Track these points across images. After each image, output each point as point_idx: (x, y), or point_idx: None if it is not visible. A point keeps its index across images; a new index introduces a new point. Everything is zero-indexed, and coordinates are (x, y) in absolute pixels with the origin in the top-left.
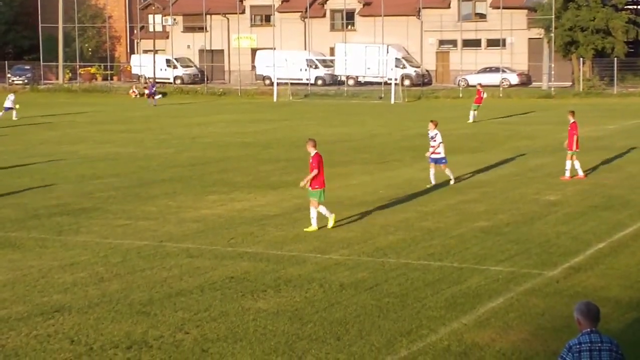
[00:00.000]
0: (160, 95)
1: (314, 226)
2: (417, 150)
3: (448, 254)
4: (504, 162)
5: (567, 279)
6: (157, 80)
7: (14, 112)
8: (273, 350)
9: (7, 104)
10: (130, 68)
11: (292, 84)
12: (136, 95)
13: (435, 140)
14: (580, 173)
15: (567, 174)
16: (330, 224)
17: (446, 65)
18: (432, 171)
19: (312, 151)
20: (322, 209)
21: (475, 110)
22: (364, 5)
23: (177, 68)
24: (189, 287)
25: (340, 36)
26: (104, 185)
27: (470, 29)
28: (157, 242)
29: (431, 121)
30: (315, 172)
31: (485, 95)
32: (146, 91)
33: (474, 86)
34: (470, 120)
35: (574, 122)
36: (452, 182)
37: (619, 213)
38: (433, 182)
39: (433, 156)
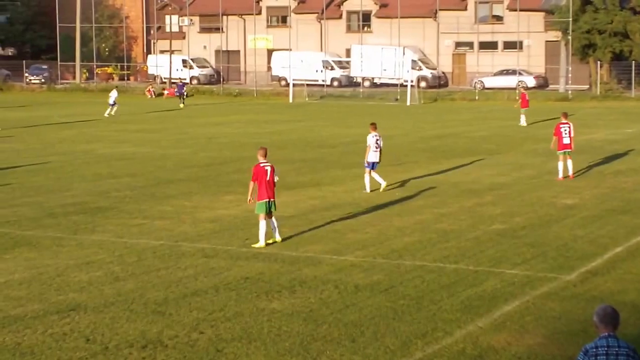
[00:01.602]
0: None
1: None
2: (433, 152)
3: (464, 257)
4: (520, 164)
5: (584, 283)
6: (183, 81)
7: (114, 108)
8: (287, 351)
9: (110, 100)
10: (147, 68)
11: (307, 85)
12: (152, 95)
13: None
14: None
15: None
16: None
17: (462, 68)
18: (367, 177)
19: (259, 160)
20: (261, 225)
21: (524, 114)
22: (380, 6)
23: (193, 68)
24: (204, 287)
25: (356, 37)
26: (120, 185)
27: (487, 31)
28: (173, 242)
29: (371, 124)
30: (251, 184)
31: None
32: (165, 92)
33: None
34: (524, 123)
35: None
36: (366, 191)
37: (637, 217)
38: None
39: (373, 160)
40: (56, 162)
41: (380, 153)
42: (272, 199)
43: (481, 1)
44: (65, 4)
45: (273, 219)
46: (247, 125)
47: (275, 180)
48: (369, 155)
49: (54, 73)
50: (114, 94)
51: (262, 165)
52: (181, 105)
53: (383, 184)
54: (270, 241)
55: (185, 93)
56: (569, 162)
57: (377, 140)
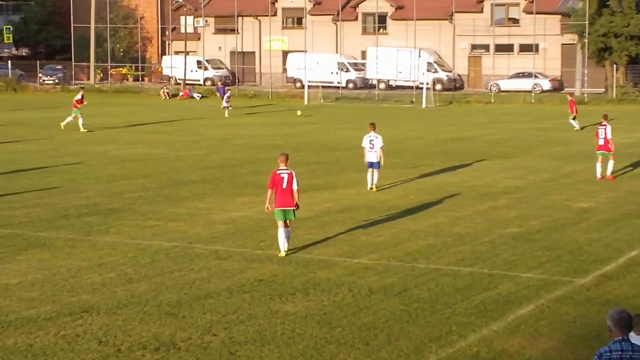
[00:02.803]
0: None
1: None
2: (448, 155)
3: (478, 260)
4: (536, 168)
5: (599, 287)
6: (187, 82)
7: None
8: (301, 353)
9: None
10: (161, 69)
11: (323, 87)
12: (166, 96)
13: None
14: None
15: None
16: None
17: (478, 70)
18: (369, 175)
19: (278, 166)
20: (279, 233)
21: (574, 119)
22: (396, 9)
23: (207, 70)
24: (218, 289)
25: (372, 39)
26: (134, 186)
27: (502, 34)
28: (186, 244)
29: (370, 124)
30: (268, 192)
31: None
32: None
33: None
34: (578, 127)
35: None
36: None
37: None
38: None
39: (371, 160)
40: (70, 163)
41: (382, 154)
42: (286, 208)
43: (497, 4)
44: (80, 5)
45: (288, 229)
46: (262, 127)
47: (295, 189)
48: (366, 155)
49: (68, 74)
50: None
51: (279, 172)
52: (227, 108)
53: (370, 186)
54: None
55: (228, 95)
56: (610, 163)
57: (372, 140)
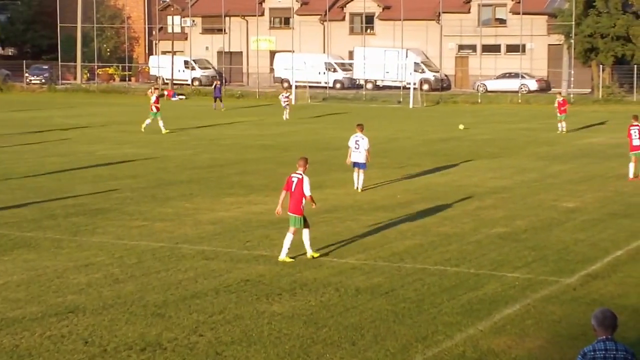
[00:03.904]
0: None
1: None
2: (435, 155)
3: (465, 260)
4: (523, 168)
5: (584, 287)
6: (174, 82)
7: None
8: (287, 354)
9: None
10: (149, 69)
11: (310, 87)
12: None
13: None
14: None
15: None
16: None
17: (465, 70)
18: (355, 175)
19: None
20: (286, 237)
21: (562, 120)
22: (383, 9)
23: (195, 69)
24: (204, 289)
25: (359, 40)
26: (121, 186)
27: (490, 34)
28: (173, 244)
29: (357, 125)
30: (282, 193)
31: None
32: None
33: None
34: (562, 130)
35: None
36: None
37: (638, 221)
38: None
39: (355, 160)
40: (57, 163)
41: (368, 154)
42: (291, 214)
43: (484, 4)
44: (66, 4)
45: (303, 234)
46: (250, 127)
47: (307, 195)
48: (351, 155)
49: (54, 73)
50: (153, 98)
51: (292, 175)
52: (221, 109)
53: (356, 186)
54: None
55: (221, 96)
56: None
57: (357, 141)
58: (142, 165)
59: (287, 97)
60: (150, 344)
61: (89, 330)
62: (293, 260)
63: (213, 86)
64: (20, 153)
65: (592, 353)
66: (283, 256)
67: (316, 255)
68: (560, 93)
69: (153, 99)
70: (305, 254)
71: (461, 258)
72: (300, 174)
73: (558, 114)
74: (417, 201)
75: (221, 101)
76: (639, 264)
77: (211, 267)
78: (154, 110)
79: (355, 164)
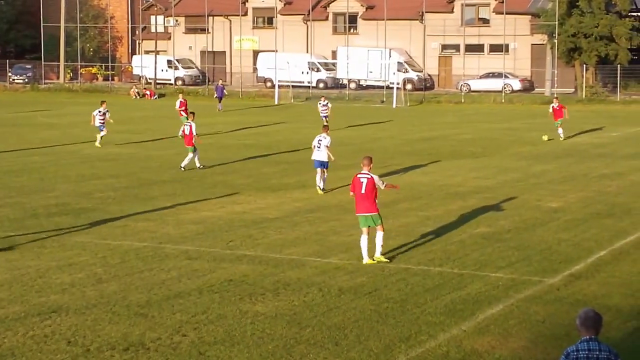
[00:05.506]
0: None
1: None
2: (418, 155)
3: (448, 260)
4: (506, 167)
5: (568, 287)
6: (158, 81)
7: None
8: (270, 354)
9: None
10: (132, 69)
11: (293, 86)
12: (136, 96)
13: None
14: None
15: None
16: (377, 256)
17: (449, 70)
18: (318, 176)
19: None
20: (361, 240)
21: (559, 126)
22: (366, 8)
23: (178, 69)
24: (187, 289)
25: (342, 39)
26: (104, 186)
27: (473, 34)
28: (156, 244)
29: (323, 126)
30: (350, 194)
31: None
32: (147, 92)
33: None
34: (552, 137)
35: None
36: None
37: (621, 221)
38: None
39: (316, 158)
40: (39, 162)
41: (329, 152)
42: (368, 213)
43: (467, 4)
44: (49, 4)
45: (377, 235)
46: (232, 126)
47: (382, 187)
48: (313, 154)
49: (37, 73)
50: (178, 103)
51: (359, 176)
52: (219, 110)
53: (319, 186)
54: (377, 259)
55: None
56: None
57: (320, 140)
58: (125, 164)
59: (326, 104)
60: (133, 344)
61: (72, 330)
62: (388, 261)
63: (215, 86)
64: (2, 152)
65: (576, 353)
66: (366, 259)
67: (384, 260)
68: (556, 98)
69: (177, 103)
70: (379, 260)
71: (444, 258)
72: (367, 173)
73: (554, 121)
74: (400, 201)
75: (219, 101)
76: (622, 264)
77: (194, 267)
78: (184, 114)
79: (318, 163)
